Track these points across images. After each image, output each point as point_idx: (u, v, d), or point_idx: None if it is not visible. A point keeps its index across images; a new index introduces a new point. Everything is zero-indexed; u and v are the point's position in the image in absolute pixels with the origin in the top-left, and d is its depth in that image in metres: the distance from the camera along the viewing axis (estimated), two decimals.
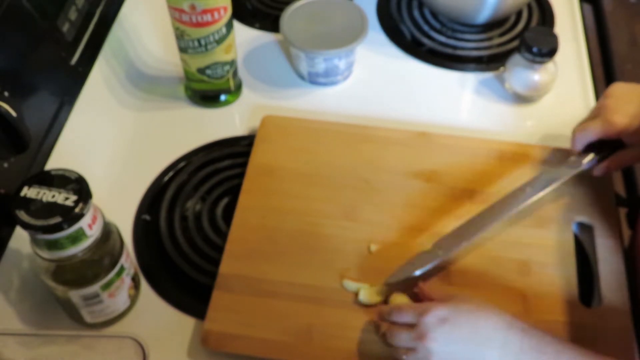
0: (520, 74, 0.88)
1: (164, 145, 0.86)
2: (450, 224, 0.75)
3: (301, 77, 0.94)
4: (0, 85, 0.72)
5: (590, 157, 0.75)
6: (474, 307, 0.62)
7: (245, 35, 0.99)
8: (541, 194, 0.74)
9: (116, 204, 0.77)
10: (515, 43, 0.97)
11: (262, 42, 0.99)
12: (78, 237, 0.60)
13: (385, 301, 0.70)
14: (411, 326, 0.63)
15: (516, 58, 0.88)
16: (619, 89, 0.74)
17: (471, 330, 0.60)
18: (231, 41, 0.84)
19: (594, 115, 0.75)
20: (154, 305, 0.72)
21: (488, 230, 0.73)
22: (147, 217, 0.79)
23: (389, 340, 0.64)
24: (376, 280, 0.71)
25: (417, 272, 0.70)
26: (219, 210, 0.80)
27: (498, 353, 0.59)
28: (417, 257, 0.72)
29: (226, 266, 0.72)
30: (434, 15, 1.01)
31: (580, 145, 0.75)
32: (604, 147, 0.75)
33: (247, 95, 0.92)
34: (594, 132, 0.73)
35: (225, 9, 0.80)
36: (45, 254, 0.61)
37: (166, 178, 0.83)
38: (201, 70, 0.85)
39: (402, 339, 0.63)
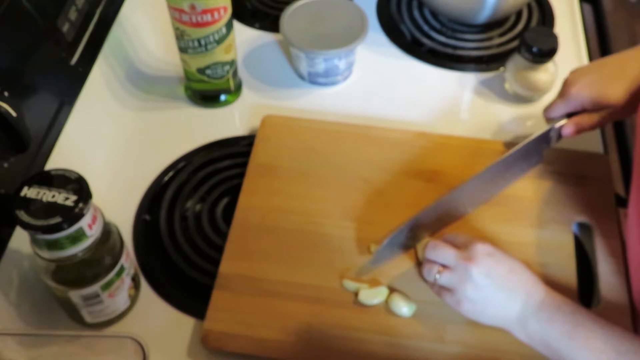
0: (520, 74, 0.88)
1: (164, 145, 0.86)
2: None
3: (301, 77, 0.94)
4: (0, 85, 0.72)
5: (562, 121, 0.78)
6: (512, 257, 0.67)
7: (245, 35, 0.99)
8: (517, 147, 0.77)
9: (116, 204, 0.77)
10: (515, 43, 0.97)
11: (262, 42, 0.99)
12: (78, 237, 0.60)
13: (386, 301, 0.70)
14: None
15: (516, 58, 0.88)
16: (578, 69, 0.79)
17: (509, 271, 0.65)
18: (231, 41, 0.84)
19: (559, 94, 0.79)
20: (154, 305, 0.72)
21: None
22: (147, 217, 0.79)
23: (431, 253, 0.68)
24: (376, 280, 0.71)
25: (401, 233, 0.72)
26: (219, 210, 0.80)
27: (521, 302, 0.63)
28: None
29: (226, 266, 0.72)
30: (434, 15, 1.01)
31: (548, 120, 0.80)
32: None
33: (247, 95, 0.92)
34: (558, 108, 0.78)
35: (225, 9, 0.80)
36: (45, 254, 0.61)
37: (166, 178, 0.83)
38: (201, 70, 0.85)
39: (446, 255, 0.67)
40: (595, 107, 0.76)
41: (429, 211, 0.73)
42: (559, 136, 0.79)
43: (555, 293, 0.64)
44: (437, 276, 0.67)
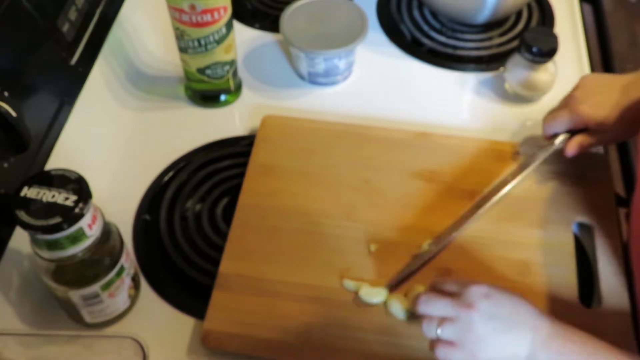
0: (520, 74, 0.88)
1: (164, 145, 0.86)
2: (450, 223, 0.75)
3: (301, 77, 0.94)
4: (0, 85, 0.72)
5: (562, 137, 0.78)
6: (508, 292, 0.63)
7: (245, 35, 0.99)
8: (519, 177, 0.77)
9: (116, 204, 0.77)
10: (515, 43, 0.97)
11: (262, 42, 0.99)
12: (78, 237, 0.60)
13: (385, 302, 0.70)
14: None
15: (516, 58, 0.88)
16: (589, 80, 0.77)
17: (510, 310, 0.61)
18: (231, 41, 0.84)
19: (564, 105, 0.78)
20: (154, 305, 0.72)
21: (476, 220, 0.75)
22: (147, 217, 0.79)
23: (425, 307, 0.62)
24: (376, 280, 0.71)
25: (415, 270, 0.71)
26: (219, 210, 0.80)
27: (529, 339, 0.59)
28: (413, 259, 0.72)
29: (226, 266, 0.72)
30: (434, 15, 1.01)
31: (549, 135, 0.79)
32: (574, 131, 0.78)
33: (247, 95, 0.92)
34: (562, 122, 0.77)
35: (225, 9, 0.80)
36: (45, 254, 0.61)
37: (166, 178, 0.83)
38: (201, 70, 0.85)
39: (442, 306, 0.62)
40: (598, 129, 0.75)
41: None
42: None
43: (561, 323, 0.61)
44: (439, 331, 0.62)
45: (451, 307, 0.61)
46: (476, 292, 0.61)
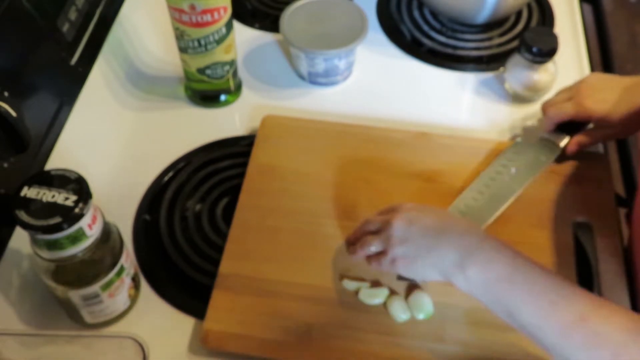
0: (520, 74, 0.88)
1: (164, 145, 0.86)
2: None
3: (301, 77, 0.94)
4: (0, 85, 0.72)
5: (565, 139, 0.80)
6: (441, 209, 0.66)
7: (245, 35, 0.99)
8: (527, 184, 0.78)
9: (116, 204, 0.77)
10: (515, 43, 0.97)
11: (262, 42, 0.99)
12: (78, 237, 0.60)
13: (385, 302, 0.70)
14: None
15: (516, 58, 0.88)
16: (594, 77, 0.80)
17: (435, 219, 0.64)
18: (231, 41, 0.84)
19: (568, 97, 0.79)
20: (154, 305, 0.72)
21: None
22: (147, 217, 0.79)
23: (360, 229, 0.69)
24: (376, 281, 0.71)
25: None
26: (219, 210, 0.80)
27: (456, 245, 0.61)
28: None
29: (226, 266, 0.72)
30: (434, 15, 1.01)
31: (551, 124, 0.81)
32: (572, 126, 0.80)
33: (247, 95, 0.92)
34: (566, 114, 0.79)
35: (225, 9, 0.80)
36: (45, 254, 0.61)
37: (166, 178, 0.83)
38: (201, 70, 0.85)
39: (372, 224, 0.68)
40: (600, 124, 0.78)
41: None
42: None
43: (495, 238, 0.62)
44: (369, 244, 0.66)
45: (379, 223, 0.66)
46: (405, 206, 0.66)
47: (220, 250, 0.74)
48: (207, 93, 0.90)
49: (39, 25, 0.81)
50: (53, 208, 0.59)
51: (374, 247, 0.67)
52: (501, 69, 0.93)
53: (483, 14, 0.95)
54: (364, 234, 0.69)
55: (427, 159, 0.82)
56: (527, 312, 0.57)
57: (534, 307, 0.57)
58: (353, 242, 0.70)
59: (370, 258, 0.68)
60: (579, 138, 0.79)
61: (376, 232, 0.67)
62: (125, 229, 0.77)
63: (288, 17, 0.91)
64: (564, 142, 0.80)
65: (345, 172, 0.80)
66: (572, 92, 0.79)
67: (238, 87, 0.92)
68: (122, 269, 0.66)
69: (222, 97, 0.90)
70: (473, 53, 0.97)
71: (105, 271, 0.65)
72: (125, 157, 0.85)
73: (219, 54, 0.84)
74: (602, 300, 0.56)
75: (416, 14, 1.02)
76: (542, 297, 0.57)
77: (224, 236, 0.76)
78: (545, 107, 0.81)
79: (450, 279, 0.62)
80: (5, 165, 0.75)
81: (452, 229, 0.63)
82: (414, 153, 0.82)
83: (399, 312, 0.68)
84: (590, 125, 0.80)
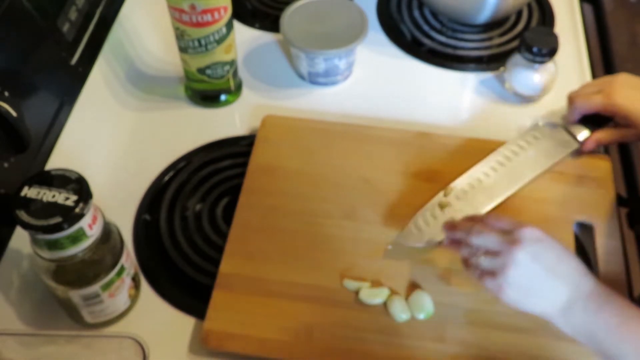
0: (520, 74, 0.88)
1: (164, 145, 0.86)
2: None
3: (301, 77, 0.94)
4: (0, 85, 0.72)
5: (585, 133, 0.81)
6: (561, 244, 0.64)
7: (245, 35, 0.99)
8: (541, 171, 0.79)
9: (116, 204, 0.77)
10: (515, 43, 0.97)
11: (262, 42, 0.99)
12: (78, 237, 0.60)
13: (386, 302, 0.70)
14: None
15: (516, 58, 0.88)
16: (627, 76, 0.80)
17: (556, 260, 0.62)
18: (231, 41, 0.84)
19: (597, 90, 0.80)
20: (154, 305, 0.72)
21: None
22: (147, 217, 0.79)
23: (476, 239, 0.64)
24: (377, 281, 0.71)
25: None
26: (219, 210, 0.80)
27: (569, 291, 0.60)
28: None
29: (226, 266, 0.72)
30: (434, 15, 1.01)
31: (578, 114, 0.81)
32: (594, 121, 0.81)
33: (247, 95, 0.92)
34: (594, 105, 0.79)
35: (225, 9, 0.80)
36: (46, 254, 0.61)
37: (166, 178, 0.83)
38: (201, 70, 0.85)
39: (491, 239, 0.63)
40: (624, 122, 0.79)
41: None
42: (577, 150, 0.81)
43: (606, 286, 0.61)
44: (481, 259, 0.64)
45: (499, 242, 0.63)
46: (528, 233, 0.62)
47: (220, 250, 0.74)
48: (207, 93, 0.90)
49: (39, 25, 0.81)
50: (53, 208, 0.59)
51: (487, 263, 0.64)
52: (501, 69, 0.93)
53: (483, 14, 0.95)
54: (477, 247, 0.65)
55: (427, 159, 0.82)
56: None
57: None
58: (455, 241, 0.68)
59: (480, 272, 0.64)
60: (599, 135, 0.80)
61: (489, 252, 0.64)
62: (126, 229, 0.77)
63: (288, 17, 0.91)
64: (584, 135, 0.80)
65: (345, 172, 0.80)
66: (601, 85, 0.80)
67: (238, 87, 0.92)
68: (122, 269, 0.66)
69: (222, 97, 0.90)
70: (473, 53, 0.97)
71: (105, 271, 0.65)
72: (125, 157, 0.85)
73: (219, 54, 0.84)
74: None
75: (416, 13, 1.02)
76: None
77: (224, 236, 0.76)
78: (572, 97, 0.82)
79: (553, 320, 0.61)
80: (6, 165, 0.75)
81: (569, 271, 0.62)
82: (414, 153, 0.82)
83: (400, 312, 0.68)
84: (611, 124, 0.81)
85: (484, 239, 0.64)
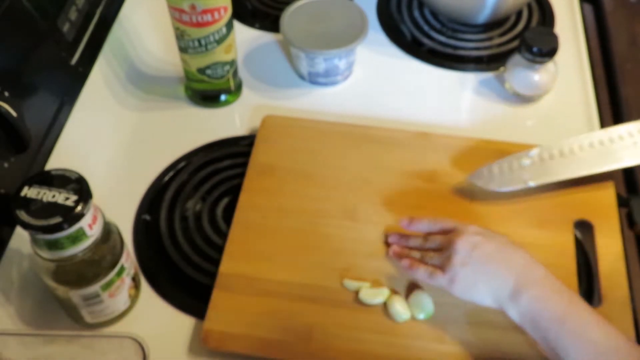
0: (520, 74, 0.88)
1: (164, 145, 0.86)
2: None
3: (301, 77, 0.94)
4: (0, 85, 0.72)
5: None
6: (507, 239, 0.67)
7: (245, 35, 0.99)
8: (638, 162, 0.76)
9: (116, 204, 0.77)
10: (515, 43, 0.97)
11: (262, 42, 0.99)
12: (78, 237, 0.60)
13: (386, 302, 0.70)
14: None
15: (516, 58, 0.88)
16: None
17: (498, 248, 0.65)
18: (231, 41, 0.84)
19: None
20: (154, 305, 0.72)
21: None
22: (148, 217, 0.79)
23: (424, 244, 0.70)
24: (377, 281, 0.71)
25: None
26: (219, 210, 0.80)
27: (515, 277, 0.63)
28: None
29: (226, 266, 0.72)
30: (434, 15, 1.01)
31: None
32: None
33: (247, 95, 0.92)
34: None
35: (225, 9, 0.80)
36: (46, 254, 0.61)
37: (166, 178, 0.83)
38: (201, 70, 0.85)
39: (436, 239, 0.69)
40: None
41: None
42: None
43: (556, 278, 0.63)
44: (429, 257, 0.68)
45: (443, 239, 0.69)
46: (470, 228, 0.67)
47: (220, 250, 0.74)
48: (207, 93, 0.90)
49: (39, 25, 0.81)
50: (53, 208, 0.59)
51: (434, 260, 0.68)
52: (501, 69, 0.93)
53: (483, 14, 0.95)
54: (422, 248, 0.70)
55: (427, 159, 0.82)
56: (575, 358, 0.58)
57: (583, 354, 0.58)
58: (398, 252, 0.72)
59: (430, 270, 0.68)
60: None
61: (436, 249, 0.69)
62: (126, 229, 0.77)
63: (288, 17, 0.91)
64: None
65: (345, 172, 0.80)
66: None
67: (238, 87, 0.92)
68: (122, 269, 0.66)
69: (222, 97, 0.90)
70: (473, 53, 0.97)
71: (105, 271, 0.65)
72: (125, 157, 0.85)
73: (219, 54, 0.84)
74: None
75: (416, 13, 1.02)
76: (592, 346, 0.58)
77: (224, 236, 0.76)
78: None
79: (504, 307, 0.63)
80: (6, 165, 0.75)
81: (515, 260, 0.64)
82: (414, 153, 0.82)
83: (400, 312, 0.68)
84: None
85: (431, 242, 0.70)
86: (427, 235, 0.71)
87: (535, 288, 0.62)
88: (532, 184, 0.76)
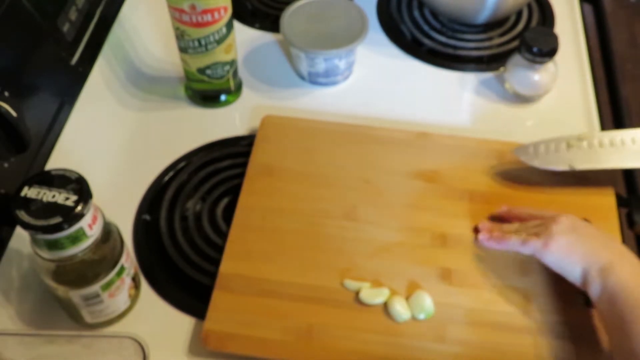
0: (520, 74, 0.88)
1: (164, 145, 0.86)
2: (450, 223, 0.75)
3: (301, 77, 0.94)
4: (0, 85, 0.72)
5: None
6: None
7: (245, 35, 0.99)
8: None
9: (116, 204, 0.77)
10: (515, 43, 0.97)
11: (262, 42, 0.99)
12: (78, 237, 0.60)
13: (386, 302, 0.70)
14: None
15: (516, 58, 0.88)
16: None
17: (596, 234, 0.67)
18: (231, 41, 0.84)
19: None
20: (154, 305, 0.72)
21: None
22: (148, 217, 0.79)
23: (520, 227, 0.71)
24: (377, 281, 0.71)
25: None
26: (219, 210, 0.80)
27: (610, 254, 0.64)
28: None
29: (226, 266, 0.72)
30: (434, 15, 1.01)
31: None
32: None
33: (247, 95, 0.92)
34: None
35: (225, 9, 0.80)
36: (46, 254, 0.61)
37: (166, 178, 0.83)
38: (201, 70, 0.85)
39: (534, 223, 0.70)
40: None
41: None
42: None
43: None
44: (528, 225, 0.70)
45: (540, 222, 0.70)
46: (567, 216, 0.68)
47: (220, 250, 0.74)
48: (207, 93, 0.90)
49: (39, 25, 0.81)
50: (53, 208, 0.59)
51: (531, 229, 0.70)
52: (501, 69, 0.93)
53: (483, 14, 0.95)
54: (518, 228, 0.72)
55: (427, 159, 0.82)
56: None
57: None
58: (489, 227, 0.74)
59: (523, 238, 0.69)
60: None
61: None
62: (125, 229, 0.77)
63: (288, 17, 0.91)
64: None
65: (345, 172, 0.80)
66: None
67: (238, 87, 0.92)
68: (122, 269, 0.66)
69: (222, 97, 0.90)
70: (473, 53, 0.97)
71: (105, 271, 0.65)
72: (125, 157, 0.85)
73: (219, 54, 0.84)
74: None
75: (416, 13, 1.02)
76: None
77: (224, 236, 0.76)
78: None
79: (588, 281, 0.64)
80: (6, 165, 0.75)
81: (613, 245, 0.66)
82: (414, 153, 0.82)
83: (400, 312, 0.68)
84: None
85: (530, 224, 0.71)
86: (524, 222, 0.72)
87: (625, 271, 0.62)
88: (578, 167, 0.76)
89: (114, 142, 0.87)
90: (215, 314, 0.69)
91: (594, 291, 0.63)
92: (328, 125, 0.85)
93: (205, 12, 0.78)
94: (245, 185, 0.79)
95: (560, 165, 0.77)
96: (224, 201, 0.80)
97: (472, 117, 0.90)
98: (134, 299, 0.71)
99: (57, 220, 0.58)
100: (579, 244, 0.66)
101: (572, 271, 0.65)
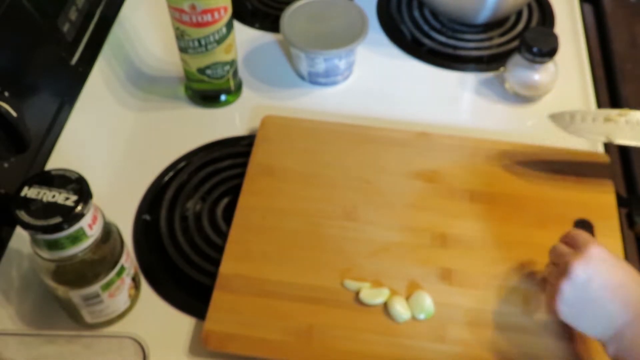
0: (521, 74, 0.88)
1: (164, 145, 0.86)
2: (450, 223, 0.75)
3: (301, 77, 0.94)
4: (0, 85, 0.72)
5: None
6: (631, 270, 0.61)
7: (245, 35, 0.99)
8: None
9: (116, 204, 0.77)
10: (515, 43, 0.97)
11: (262, 42, 0.99)
12: (78, 237, 0.60)
13: (386, 302, 0.70)
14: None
15: (516, 58, 0.88)
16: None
17: (618, 285, 0.60)
18: (231, 41, 0.84)
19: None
20: (154, 305, 0.72)
21: None
22: (148, 217, 0.79)
23: (551, 255, 0.66)
24: (377, 281, 0.71)
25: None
26: (219, 210, 0.80)
27: (625, 316, 0.58)
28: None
29: (226, 266, 0.72)
30: (434, 15, 1.01)
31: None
32: None
33: (247, 95, 0.92)
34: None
35: (225, 9, 0.80)
36: (46, 254, 0.61)
37: (166, 178, 0.83)
38: (201, 70, 0.85)
39: (560, 252, 0.64)
40: None
41: None
42: None
43: None
44: (548, 269, 0.65)
45: (564, 254, 0.63)
46: (594, 251, 0.61)
47: (220, 250, 0.74)
48: (207, 93, 0.90)
49: (39, 25, 0.81)
50: (53, 208, 0.59)
51: (547, 274, 0.66)
52: (501, 69, 0.93)
53: (483, 14, 0.95)
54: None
55: (427, 159, 0.82)
56: None
57: None
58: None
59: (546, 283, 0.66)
60: None
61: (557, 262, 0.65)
62: (125, 229, 0.77)
63: (288, 17, 0.91)
64: None
65: (346, 172, 0.80)
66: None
67: (238, 87, 0.92)
68: (122, 269, 0.66)
69: (222, 97, 0.90)
70: (473, 53, 0.97)
71: (105, 271, 0.65)
72: (125, 157, 0.85)
73: (219, 54, 0.84)
74: None
75: (416, 13, 1.02)
76: None
77: (224, 236, 0.76)
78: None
79: (605, 342, 0.60)
80: (6, 165, 0.74)
81: (630, 292, 0.59)
82: (414, 153, 0.82)
83: (400, 312, 0.68)
84: None
85: (556, 254, 0.65)
86: (557, 246, 0.66)
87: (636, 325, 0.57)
88: (617, 141, 0.75)
89: (113, 142, 0.87)
90: (215, 314, 0.69)
91: (609, 352, 0.59)
92: (328, 125, 0.85)
93: (205, 12, 0.78)
94: (246, 186, 0.79)
95: (597, 136, 0.75)
96: (224, 201, 0.80)
97: (472, 117, 0.90)
98: (134, 299, 0.71)
99: (57, 220, 0.58)
100: (590, 306, 0.60)
101: (588, 332, 0.61)
